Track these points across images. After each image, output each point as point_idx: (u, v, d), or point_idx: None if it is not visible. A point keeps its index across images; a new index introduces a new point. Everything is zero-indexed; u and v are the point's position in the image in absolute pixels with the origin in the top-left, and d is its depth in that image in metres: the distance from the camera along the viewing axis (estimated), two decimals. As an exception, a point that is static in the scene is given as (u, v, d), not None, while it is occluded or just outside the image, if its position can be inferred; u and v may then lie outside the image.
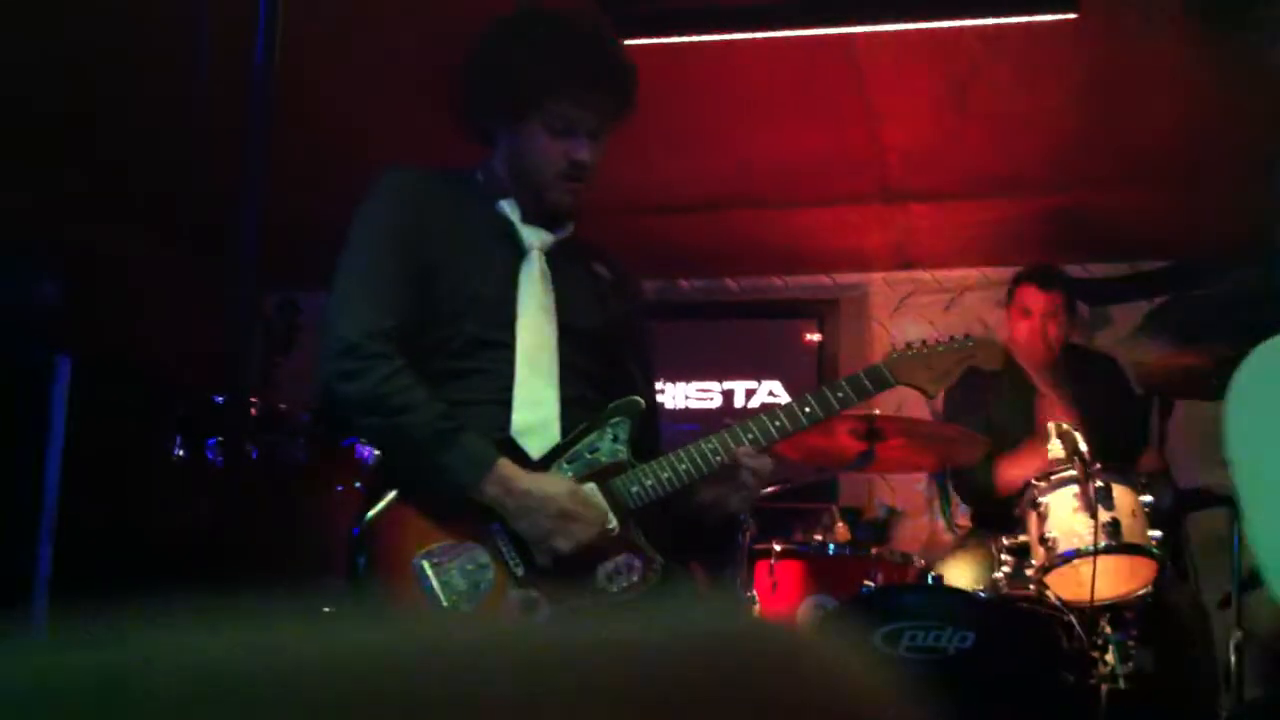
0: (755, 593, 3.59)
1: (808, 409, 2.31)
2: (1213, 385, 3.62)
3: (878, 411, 3.73)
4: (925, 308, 5.52)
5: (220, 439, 3.66)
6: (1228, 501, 3.68)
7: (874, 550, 3.70)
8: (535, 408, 2.24)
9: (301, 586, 3.41)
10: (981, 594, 3.41)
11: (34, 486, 3.83)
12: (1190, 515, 4.51)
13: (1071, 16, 3.49)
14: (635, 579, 2.20)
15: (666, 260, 5.58)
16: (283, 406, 3.85)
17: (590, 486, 2.21)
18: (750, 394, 5.65)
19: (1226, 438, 1.81)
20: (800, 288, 5.78)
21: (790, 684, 0.46)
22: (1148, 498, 3.34)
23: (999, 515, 3.89)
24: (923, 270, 5.60)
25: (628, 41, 3.39)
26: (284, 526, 3.58)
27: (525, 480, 2.15)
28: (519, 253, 2.34)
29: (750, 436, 2.28)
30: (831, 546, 3.76)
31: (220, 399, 3.78)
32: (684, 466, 2.25)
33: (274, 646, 0.46)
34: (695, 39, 3.69)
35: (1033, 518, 3.39)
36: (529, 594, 2.15)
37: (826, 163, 4.61)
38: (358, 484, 3.63)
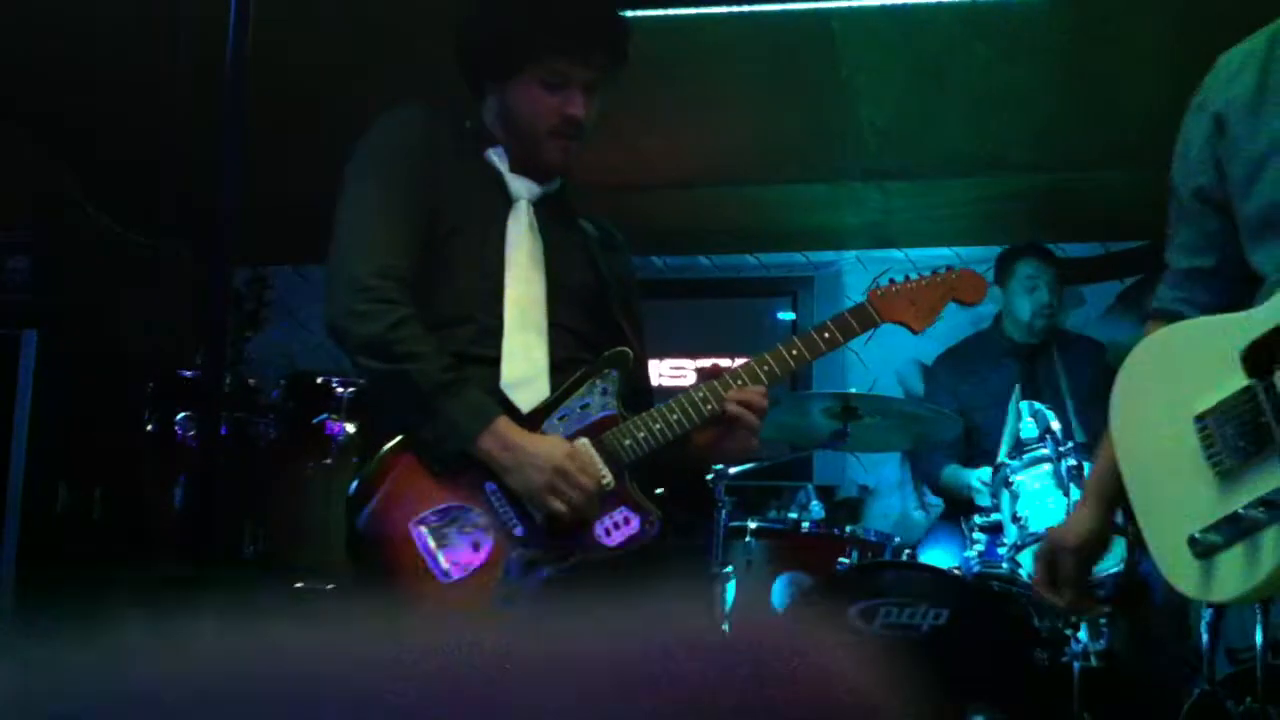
0: (731, 569, 3.59)
1: (794, 351, 2.30)
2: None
3: (853, 390, 3.73)
4: (899, 287, 5.53)
5: (188, 414, 3.62)
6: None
7: (848, 528, 3.71)
8: (524, 360, 2.21)
9: (272, 562, 3.39)
10: (955, 572, 3.42)
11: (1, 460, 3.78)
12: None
13: (1048, -7, 3.49)
14: (632, 533, 2.18)
15: (640, 237, 5.54)
16: (252, 382, 3.81)
17: (583, 442, 2.19)
18: (723, 372, 5.63)
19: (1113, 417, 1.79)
20: (774, 265, 5.76)
21: (778, 663, 0.45)
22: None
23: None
24: (896, 249, 5.59)
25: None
26: (254, 502, 3.56)
27: (521, 437, 2.13)
28: (506, 202, 2.31)
29: (740, 382, 2.27)
30: (806, 524, 3.76)
31: (188, 373, 3.73)
32: (675, 416, 2.23)
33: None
34: (670, 12, 3.65)
35: (1005, 496, 3.39)
36: (527, 553, 2.12)
37: (802, 140, 4.59)
38: (327, 460, 3.61)
